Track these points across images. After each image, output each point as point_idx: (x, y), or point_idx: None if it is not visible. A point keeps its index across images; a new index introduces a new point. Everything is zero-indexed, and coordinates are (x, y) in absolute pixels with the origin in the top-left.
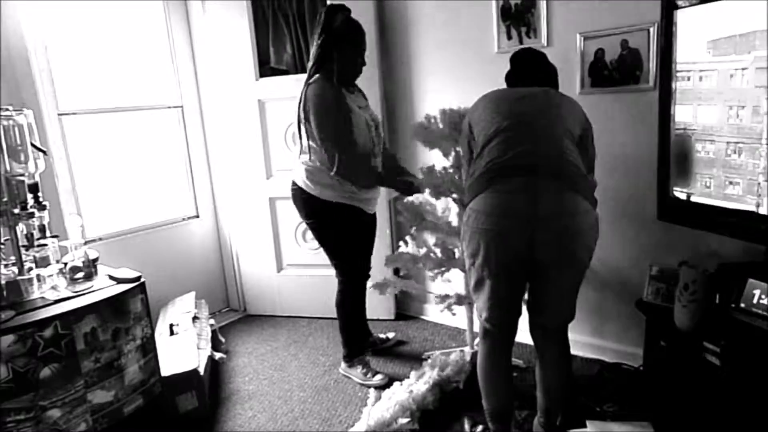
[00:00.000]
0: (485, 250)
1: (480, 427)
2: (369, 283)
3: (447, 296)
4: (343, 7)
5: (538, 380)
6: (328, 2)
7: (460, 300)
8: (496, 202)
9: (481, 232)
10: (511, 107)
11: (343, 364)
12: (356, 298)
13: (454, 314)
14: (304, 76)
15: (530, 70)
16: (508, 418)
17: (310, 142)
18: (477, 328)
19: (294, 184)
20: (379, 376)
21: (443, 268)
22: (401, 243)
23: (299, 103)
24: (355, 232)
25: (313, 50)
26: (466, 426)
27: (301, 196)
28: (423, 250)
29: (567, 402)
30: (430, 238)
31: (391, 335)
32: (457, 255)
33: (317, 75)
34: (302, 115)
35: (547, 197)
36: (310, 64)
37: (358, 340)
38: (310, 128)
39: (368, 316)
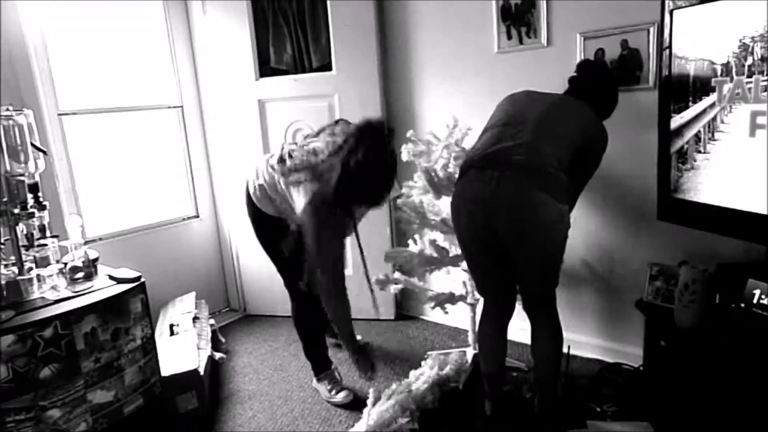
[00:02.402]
0: (457, 228)
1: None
2: (372, 279)
3: (441, 294)
4: (376, 132)
5: (531, 354)
6: (329, 3)
7: (452, 299)
8: (466, 188)
9: (455, 211)
10: (516, 107)
11: (314, 378)
12: (309, 312)
13: (446, 313)
14: (304, 75)
15: (576, 78)
16: (497, 383)
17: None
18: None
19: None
20: (342, 394)
21: (434, 267)
22: (410, 241)
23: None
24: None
25: (329, 151)
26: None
27: (250, 205)
28: (418, 248)
29: (558, 379)
30: (437, 236)
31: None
32: (452, 253)
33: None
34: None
35: (507, 189)
36: (323, 156)
37: (318, 354)
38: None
39: (369, 317)
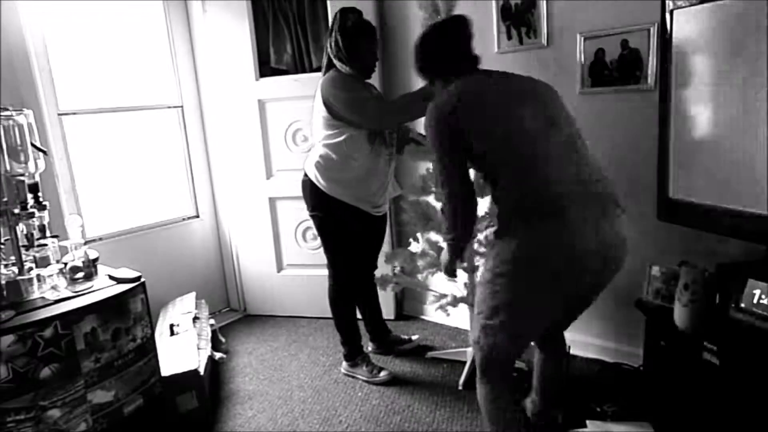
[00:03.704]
0: (543, 281)
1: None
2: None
3: (444, 296)
4: (354, 9)
5: (541, 370)
6: (329, 3)
7: (455, 301)
8: (565, 235)
9: (548, 264)
10: (514, 108)
11: (345, 364)
12: (349, 296)
13: (447, 315)
14: (305, 75)
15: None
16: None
17: (326, 131)
18: None
19: (305, 174)
20: (384, 373)
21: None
22: (411, 240)
23: (319, 95)
24: (355, 233)
25: (328, 49)
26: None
27: (309, 188)
28: (420, 248)
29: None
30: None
31: (414, 337)
32: None
33: (333, 70)
34: (321, 107)
35: (610, 230)
36: (325, 61)
37: (355, 338)
38: (330, 119)
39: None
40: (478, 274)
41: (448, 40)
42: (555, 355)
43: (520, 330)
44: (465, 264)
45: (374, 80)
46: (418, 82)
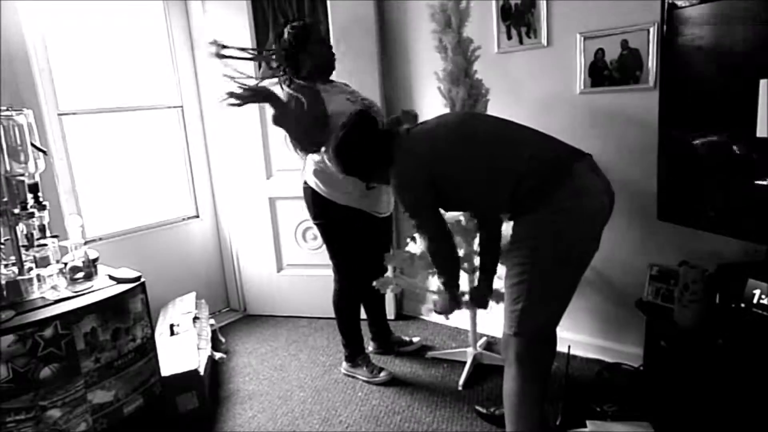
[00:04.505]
0: (588, 228)
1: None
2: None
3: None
4: (288, 21)
5: None
6: (329, 3)
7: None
8: (587, 182)
9: (589, 212)
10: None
11: (345, 364)
12: (353, 297)
13: (447, 318)
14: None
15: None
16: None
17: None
18: (479, 329)
19: (305, 183)
20: (384, 373)
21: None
22: (408, 241)
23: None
24: (360, 236)
25: (275, 72)
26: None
27: (311, 195)
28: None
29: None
30: None
31: (415, 339)
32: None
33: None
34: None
35: (604, 178)
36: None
37: (357, 339)
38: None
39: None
40: (504, 276)
41: (367, 137)
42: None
43: (561, 301)
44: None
45: (374, 81)
46: (418, 81)
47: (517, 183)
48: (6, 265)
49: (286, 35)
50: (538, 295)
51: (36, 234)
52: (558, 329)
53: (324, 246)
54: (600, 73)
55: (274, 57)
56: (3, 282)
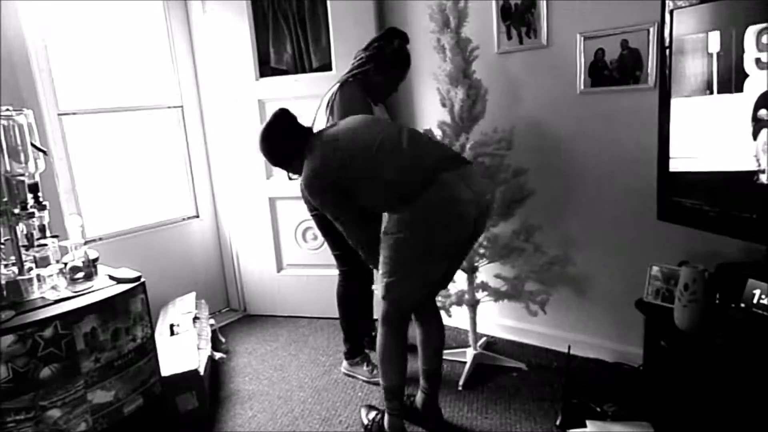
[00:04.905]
0: (447, 231)
1: (374, 413)
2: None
3: (447, 296)
4: (404, 35)
5: (423, 347)
6: (329, 3)
7: (460, 300)
8: (453, 190)
9: (447, 215)
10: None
11: (345, 363)
12: (357, 292)
13: (450, 316)
14: (305, 75)
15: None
16: (402, 393)
17: None
18: (480, 329)
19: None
20: None
21: None
22: None
23: (328, 98)
24: None
25: (359, 56)
26: (363, 415)
27: None
28: None
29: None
30: None
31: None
32: None
33: (351, 80)
34: (327, 109)
35: (480, 185)
36: (350, 68)
37: (360, 336)
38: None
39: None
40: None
41: (289, 128)
42: (433, 327)
43: (417, 281)
44: (465, 264)
45: None
46: (418, 81)
47: (387, 189)
48: (6, 265)
49: (396, 46)
50: (396, 276)
51: (36, 234)
52: (558, 329)
53: (324, 246)
54: (600, 73)
55: (371, 54)
56: (3, 282)
